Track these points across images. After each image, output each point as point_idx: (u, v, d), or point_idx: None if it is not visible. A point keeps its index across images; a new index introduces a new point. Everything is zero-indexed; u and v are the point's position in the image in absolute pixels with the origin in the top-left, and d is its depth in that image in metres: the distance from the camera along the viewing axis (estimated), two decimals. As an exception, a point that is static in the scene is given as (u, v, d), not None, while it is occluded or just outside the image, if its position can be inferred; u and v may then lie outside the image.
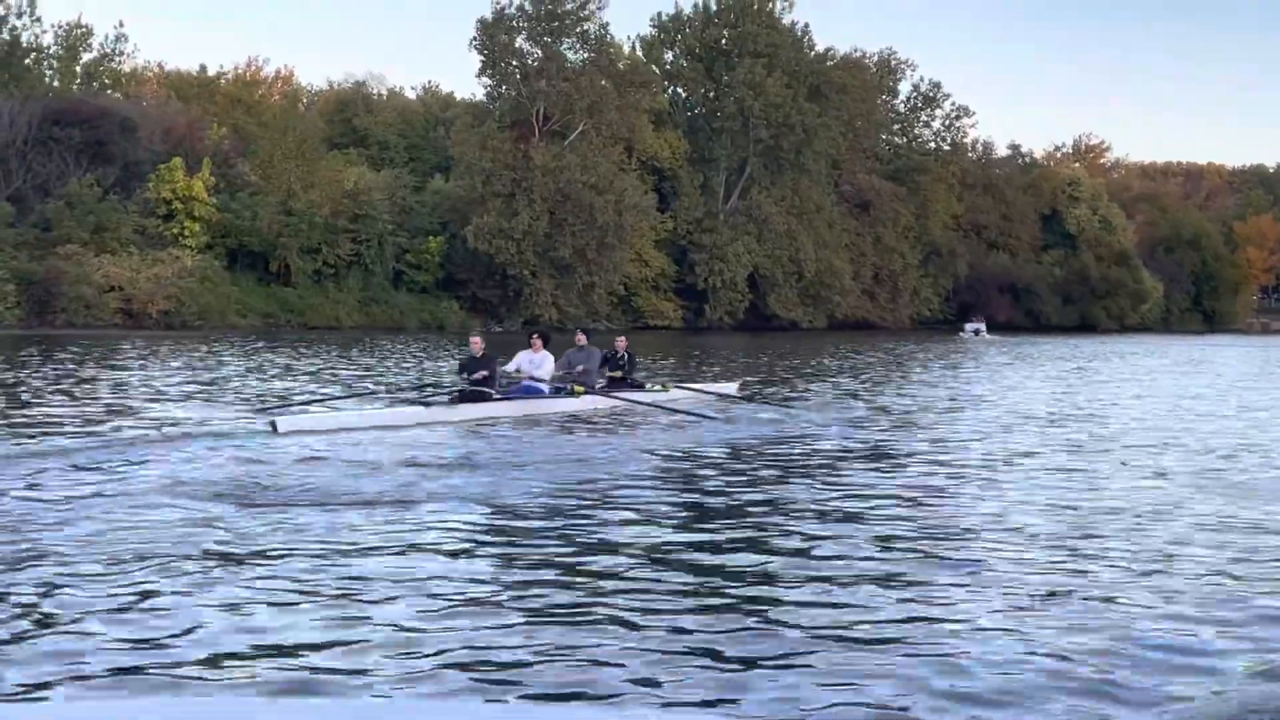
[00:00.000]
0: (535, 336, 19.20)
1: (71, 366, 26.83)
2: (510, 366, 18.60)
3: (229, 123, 73.60)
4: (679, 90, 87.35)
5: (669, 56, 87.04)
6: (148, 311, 54.62)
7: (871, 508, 10.02)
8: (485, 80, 73.72)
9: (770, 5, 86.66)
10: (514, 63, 72.66)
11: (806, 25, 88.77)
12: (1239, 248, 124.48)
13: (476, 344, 17.87)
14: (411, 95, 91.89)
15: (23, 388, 21.10)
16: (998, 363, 40.85)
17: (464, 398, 17.14)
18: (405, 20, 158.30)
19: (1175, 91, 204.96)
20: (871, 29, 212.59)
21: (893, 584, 7.32)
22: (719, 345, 52.42)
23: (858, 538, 8.66)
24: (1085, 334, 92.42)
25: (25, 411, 16.88)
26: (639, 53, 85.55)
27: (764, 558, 8.00)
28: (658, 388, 20.15)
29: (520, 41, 72.67)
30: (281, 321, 62.05)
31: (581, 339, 19.98)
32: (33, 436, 13.65)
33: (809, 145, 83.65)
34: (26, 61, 66.93)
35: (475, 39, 71.91)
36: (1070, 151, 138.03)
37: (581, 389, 18.23)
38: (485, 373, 17.39)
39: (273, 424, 14.27)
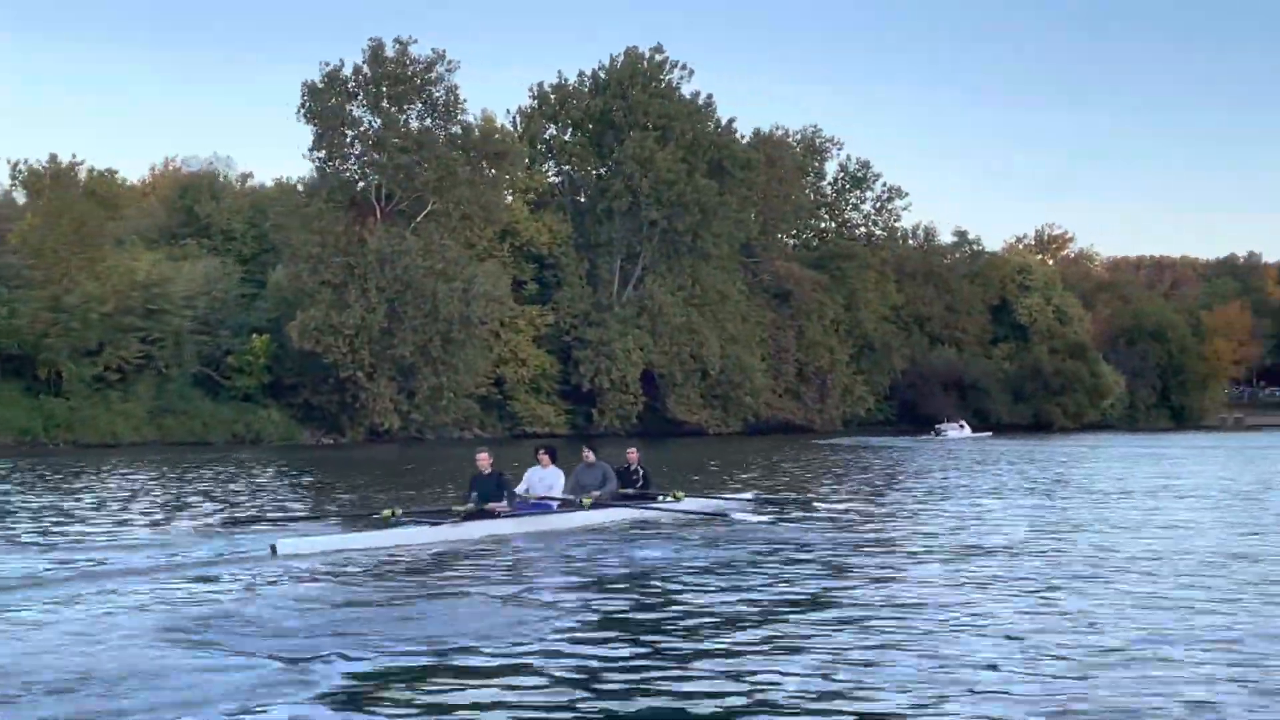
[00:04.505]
0: (541, 452, 18.39)
1: None
2: (520, 488, 17.74)
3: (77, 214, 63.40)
4: (566, 168, 77.62)
5: (551, 130, 77.53)
6: None
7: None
8: (317, 155, 63.29)
9: (668, 74, 77.53)
10: (348, 132, 62.59)
11: (710, 96, 78.98)
12: (1206, 339, 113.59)
13: (484, 460, 17.03)
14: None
15: None
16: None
17: (470, 516, 16.32)
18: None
19: (1144, 184, 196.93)
20: (830, 117, 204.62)
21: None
22: (612, 456, 41.62)
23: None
24: (1039, 434, 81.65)
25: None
26: (517, 126, 75.92)
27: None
28: (670, 498, 19.33)
29: (355, 109, 62.69)
30: (43, 439, 51.51)
31: (589, 456, 18.84)
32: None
33: (708, 227, 73.93)
34: None
35: (303, 105, 61.79)
36: (1032, 243, 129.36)
37: (589, 499, 17.67)
38: (497, 489, 16.74)
39: (272, 548, 13.74)
